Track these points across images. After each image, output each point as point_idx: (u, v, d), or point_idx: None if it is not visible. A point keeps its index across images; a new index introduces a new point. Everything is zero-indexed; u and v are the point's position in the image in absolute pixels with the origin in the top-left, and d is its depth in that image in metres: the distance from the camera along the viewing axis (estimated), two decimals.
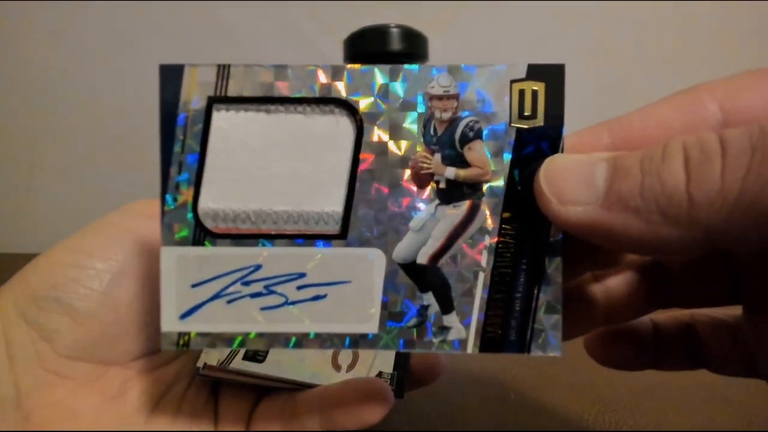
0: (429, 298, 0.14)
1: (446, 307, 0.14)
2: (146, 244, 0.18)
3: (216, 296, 0.14)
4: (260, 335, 0.14)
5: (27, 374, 0.16)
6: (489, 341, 0.14)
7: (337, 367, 0.20)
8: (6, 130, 0.74)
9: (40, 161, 0.73)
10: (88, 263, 0.17)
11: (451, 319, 0.14)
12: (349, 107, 0.14)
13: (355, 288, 0.14)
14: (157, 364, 0.19)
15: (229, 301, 0.14)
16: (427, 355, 0.20)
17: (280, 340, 0.14)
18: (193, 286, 0.14)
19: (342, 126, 0.14)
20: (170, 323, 0.14)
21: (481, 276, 0.14)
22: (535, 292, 0.14)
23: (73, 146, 0.73)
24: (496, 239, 0.14)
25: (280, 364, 0.19)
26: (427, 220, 0.14)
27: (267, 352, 0.19)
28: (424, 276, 0.14)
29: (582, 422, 0.23)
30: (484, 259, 0.14)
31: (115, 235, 0.18)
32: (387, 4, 0.65)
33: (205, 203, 0.14)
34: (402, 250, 0.14)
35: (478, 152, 0.14)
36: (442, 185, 0.14)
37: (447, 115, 0.14)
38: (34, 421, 0.15)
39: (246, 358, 0.19)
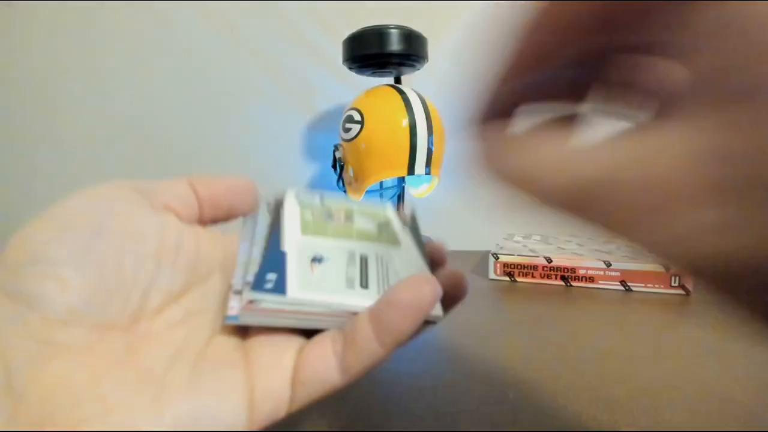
0: None
1: None
2: (122, 206, 0.17)
3: None
4: None
5: (16, 350, 0.14)
6: None
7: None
8: (6, 130, 0.74)
9: (40, 161, 0.73)
10: (64, 224, 0.16)
11: None
12: None
13: None
14: (164, 327, 0.17)
15: None
16: (453, 275, 0.20)
17: None
18: None
19: None
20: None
21: None
22: None
23: (72, 147, 0.73)
24: None
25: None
26: None
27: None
28: None
29: (581, 422, 0.23)
30: None
31: (89, 200, 0.17)
32: (387, 4, 0.65)
33: None
34: None
35: None
36: None
37: None
38: (29, 402, 0.13)
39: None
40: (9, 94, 0.74)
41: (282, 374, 0.16)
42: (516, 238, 0.56)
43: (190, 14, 0.68)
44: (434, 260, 0.22)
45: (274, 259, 0.19)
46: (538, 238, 0.56)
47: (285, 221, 0.22)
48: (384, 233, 0.23)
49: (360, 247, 0.21)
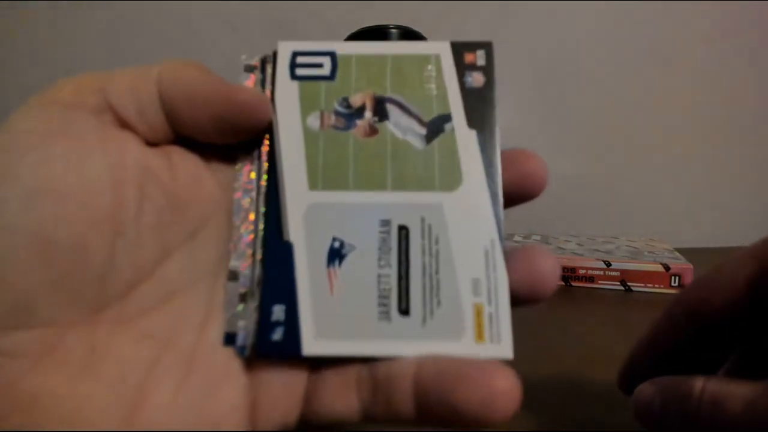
0: None
1: None
2: (59, 147, 0.12)
3: None
4: None
5: None
6: None
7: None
8: None
9: None
10: None
11: None
12: None
13: None
14: (138, 312, 0.13)
15: None
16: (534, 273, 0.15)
17: None
18: None
19: None
20: None
21: None
22: None
23: None
24: None
25: None
26: None
27: None
28: None
29: (582, 422, 0.23)
30: None
31: (8, 149, 0.12)
32: (387, 4, 0.65)
33: None
34: None
35: None
36: None
37: None
38: None
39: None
40: (9, 94, 0.74)
41: (291, 401, 0.13)
42: (516, 238, 0.56)
43: (191, 14, 0.68)
44: (519, 193, 0.15)
45: (277, 267, 0.14)
46: (537, 237, 0.56)
47: (282, 140, 0.15)
48: (435, 151, 0.15)
49: (397, 207, 0.15)
